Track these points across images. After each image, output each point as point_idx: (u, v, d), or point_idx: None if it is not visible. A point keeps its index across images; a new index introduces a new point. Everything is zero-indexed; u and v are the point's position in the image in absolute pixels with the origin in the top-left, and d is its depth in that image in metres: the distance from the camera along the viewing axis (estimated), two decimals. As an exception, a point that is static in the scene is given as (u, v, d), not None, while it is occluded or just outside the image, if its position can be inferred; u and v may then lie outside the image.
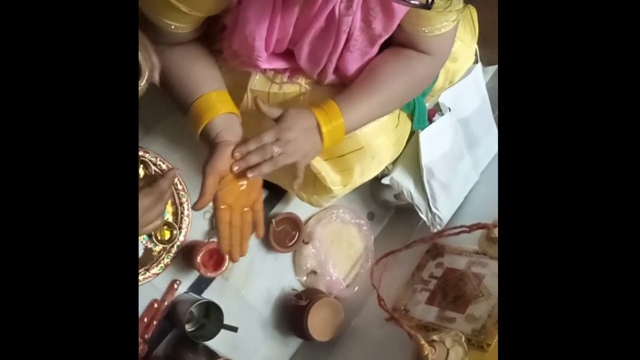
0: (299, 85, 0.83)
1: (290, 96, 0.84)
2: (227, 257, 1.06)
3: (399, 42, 0.80)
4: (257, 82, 0.83)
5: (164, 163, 1.06)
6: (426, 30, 0.75)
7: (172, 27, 0.69)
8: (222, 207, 0.71)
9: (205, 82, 0.74)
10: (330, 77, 0.82)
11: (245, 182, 0.73)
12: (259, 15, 0.67)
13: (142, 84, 0.68)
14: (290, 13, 0.68)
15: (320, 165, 0.90)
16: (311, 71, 0.81)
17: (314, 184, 0.95)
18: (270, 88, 0.83)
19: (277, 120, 0.73)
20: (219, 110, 0.72)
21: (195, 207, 0.69)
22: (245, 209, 0.73)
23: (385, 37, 0.76)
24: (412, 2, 0.54)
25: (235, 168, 0.70)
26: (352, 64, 0.80)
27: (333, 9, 0.69)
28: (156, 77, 0.71)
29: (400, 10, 0.71)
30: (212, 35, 0.79)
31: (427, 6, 0.54)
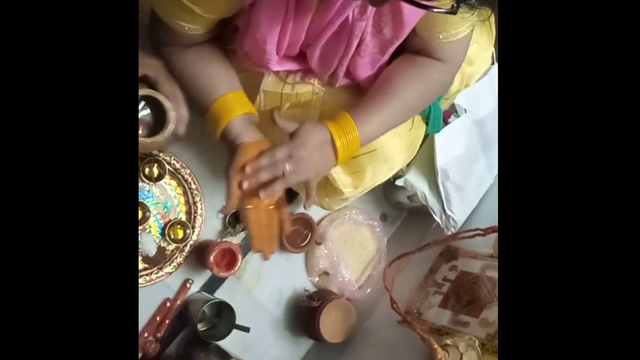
0: (312, 86, 0.82)
1: (304, 97, 0.83)
2: (239, 257, 1.06)
3: (413, 49, 0.79)
4: (269, 82, 0.82)
5: (177, 162, 1.06)
6: (441, 36, 0.74)
7: (186, 28, 0.69)
8: (249, 207, 0.71)
9: (220, 83, 0.74)
10: (342, 80, 0.81)
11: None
12: (271, 20, 0.67)
13: (165, 134, 0.64)
14: (303, 19, 0.68)
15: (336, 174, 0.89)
16: (322, 73, 0.80)
17: (325, 186, 0.94)
18: (282, 89, 0.82)
19: (291, 135, 0.72)
20: (236, 112, 0.72)
21: (224, 210, 0.70)
22: (271, 207, 0.73)
23: (396, 44, 0.75)
24: (438, 9, 0.53)
25: (245, 185, 0.70)
26: (363, 70, 0.79)
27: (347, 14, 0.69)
28: (182, 130, 0.69)
29: (411, 18, 0.71)
30: (225, 36, 0.79)
31: (453, 11, 0.53)
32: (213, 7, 0.66)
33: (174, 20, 0.68)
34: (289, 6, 0.66)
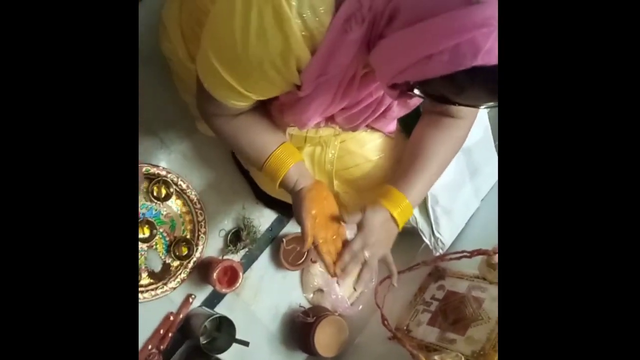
0: (334, 129, 0.91)
1: (325, 138, 0.93)
2: (240, 274, 1.11)
3: (432, 109, 0.90)
4: (295, 127, 0.89)
5: (184, 182, 1.11)
6: None
7: (238, 105, 0.76)
8: (321, 241, 0.80)
9: (270, 141, 0.83)
10: (362, 128, 0.90)
11: (330, 214, 0.83)
12: (319, 105, 0.74)
13: None
14: (346, 99, 0.76)
15: (349, 198, 0.98)
16: (344, 126, 0.89)
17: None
18: (307, 132, 0.91)
19: (358, 225, 0.82)
20: (289, 165, 0.82)
21: (304, 248, 0.78)
22: (334, 237, 0.83)
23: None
24: (487, 106, 0.61)
25: (341, 281, 0.81)
26: (384, 124, 0.89)
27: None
28: None
29: None
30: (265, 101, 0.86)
31: (495, 106, 0.60)
32: (267, 93, 0.74)
33: (228, 101, 0.75)
34: (337, 92, 0.73)
